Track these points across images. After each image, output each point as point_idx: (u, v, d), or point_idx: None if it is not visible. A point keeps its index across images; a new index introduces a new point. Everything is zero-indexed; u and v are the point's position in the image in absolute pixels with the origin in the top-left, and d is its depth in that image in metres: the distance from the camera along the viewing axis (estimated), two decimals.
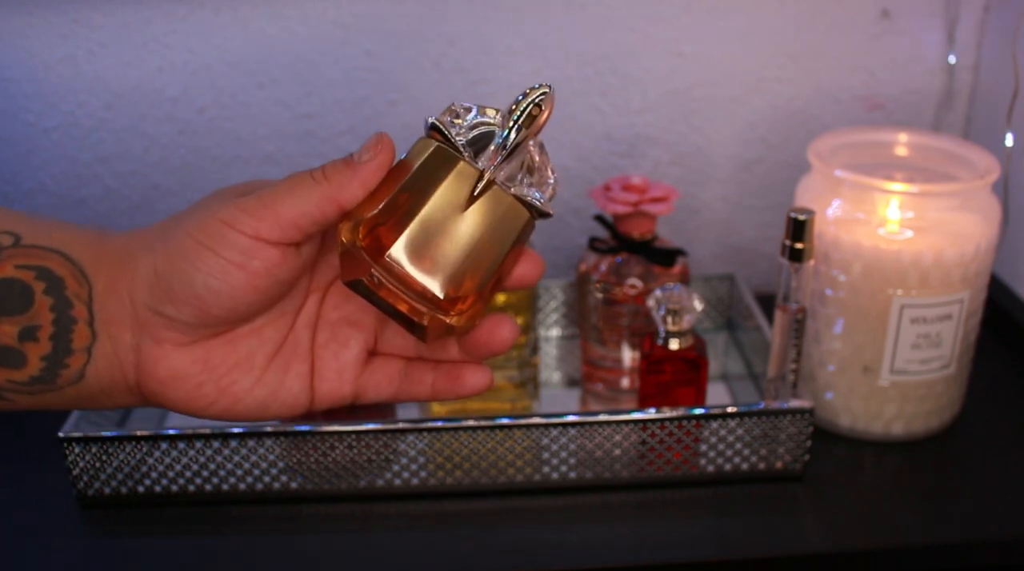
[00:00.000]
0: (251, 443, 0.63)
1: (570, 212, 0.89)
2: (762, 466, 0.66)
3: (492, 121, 0.42)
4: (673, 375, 0.67)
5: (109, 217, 0.86)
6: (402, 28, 0.81)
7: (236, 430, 0.63)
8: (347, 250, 0.40)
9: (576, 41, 0.82)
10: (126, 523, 0.64)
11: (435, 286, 0.40)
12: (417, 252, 0.40)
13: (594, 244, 0.75)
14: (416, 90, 0.83)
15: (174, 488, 0.65)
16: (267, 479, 0.65)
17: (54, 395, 0.41)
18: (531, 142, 0.42)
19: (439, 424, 0.63)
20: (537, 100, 0.41)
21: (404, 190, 0.40)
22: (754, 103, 0.86)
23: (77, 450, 0.63)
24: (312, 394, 0.44)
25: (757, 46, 0.84)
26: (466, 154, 0.41)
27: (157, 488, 0.65)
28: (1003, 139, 0.80)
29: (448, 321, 0.40)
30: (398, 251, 0.39)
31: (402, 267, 0.39)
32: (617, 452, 0.65)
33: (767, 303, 0.77)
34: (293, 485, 0.65)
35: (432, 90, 0.83)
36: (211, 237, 0.39)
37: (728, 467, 0.66)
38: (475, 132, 0.42)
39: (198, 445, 0.63)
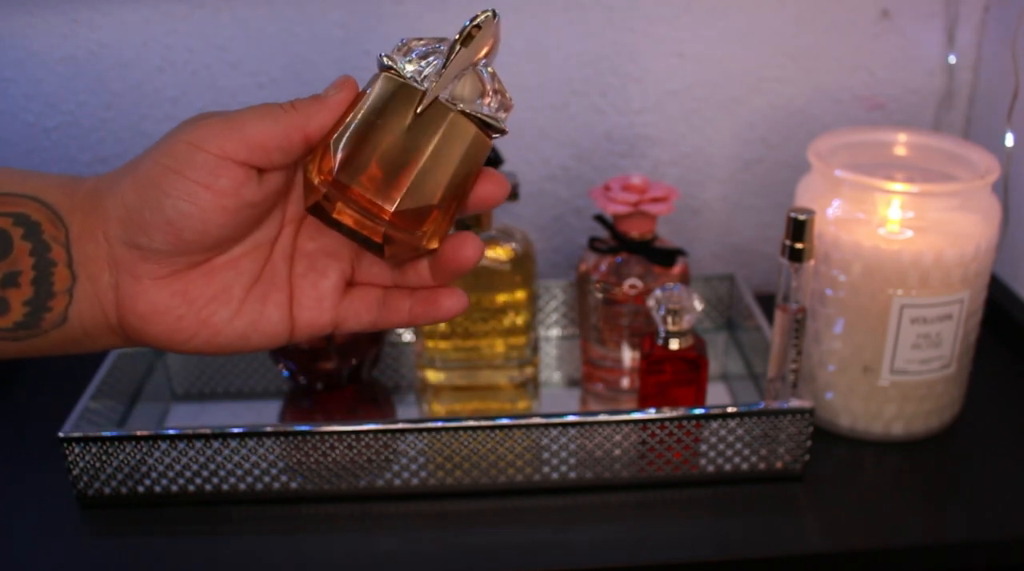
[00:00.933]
0: (251, 443, 0.63)
1: (570, 212, 0.89)
2: (762, 466, 0.66)
3: (440, 48, 0.44)
4: (673, 375, 0.67)
5: None
6: (402, 28, 0.81)
7: (236, 430, 0.63)
8: (305, 176, 0.41)
9: (576, 41, 0.82)
10: (126, 523, 0.64)
11: (385, 202, 0.40)
12: (366, 171, 0.40)
13: (594, 244, 0.75)
14: None
15: (174, 488, 0.65)
16: (267, 479, 0.65)
17: (39, 340, 0.41)
18: (481, 66, 0.44)
19: (439, 424, 0.63)
20: (478, 22, 0.43)
21: (354, 117, 0.41)
22: (754, 103, 0.86)
23: (77, 450, 0.63)
24: (292, 324, 0.44)
25: (757, 46, 0.84)
26: (411, 78, 0.42)
27: (157, 488, 0.65)
28: (1003, 139, 0.80)
29: (407, 238, 0.41)
30: (346, 170, 0.40)
31: (351, 186, 0.40)
32: (617, 452, 0.65)
33: (767, 303, 0.77)
34: (293, 485, 0.65)
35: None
36: (177, 160, 0.39)
37: (728, 467, 0.66)
38: (424, 60, 0.44)
39: (198, 445, 0.63)
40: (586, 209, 0.88)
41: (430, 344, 0.75)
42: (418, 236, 0.42)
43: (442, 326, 0.74)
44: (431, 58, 0.44)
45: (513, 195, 0.71)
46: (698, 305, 0.65)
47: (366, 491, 0.65)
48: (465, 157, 0.43)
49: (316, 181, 0.41)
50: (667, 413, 0.64)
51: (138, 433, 0.63)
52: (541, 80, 0.84)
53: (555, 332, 0.85)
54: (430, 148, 0.42)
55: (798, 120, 0.86)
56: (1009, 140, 0.79)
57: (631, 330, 0.74)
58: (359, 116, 0.42)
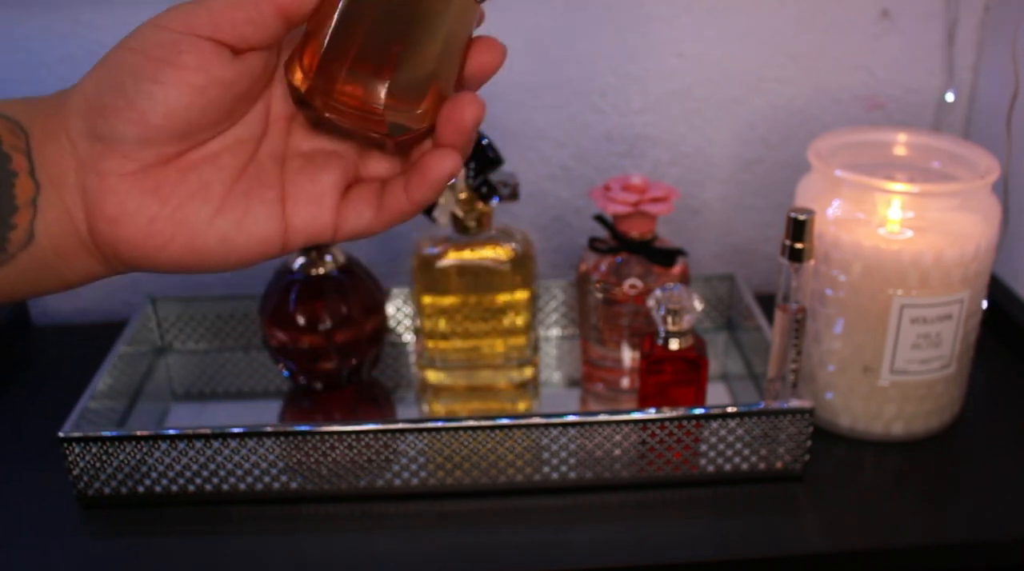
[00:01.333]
0: (251, 443, 0.63)
1: (570, 212, 0.89)
2: (762, 466, 0.66)
3: None
4: (673, 375, 0.67)
5: None
6: None
7: (236, 430, 0.63)
8: (286, 74, 0.39)
9: (576, 41, 0.82)
10: (126, 523, 0.64)
11: (379, 87, 0.38)
12: (349, 53, 0.37)
13: (594, 244, 0.75)
14: None
15: (174, 488, 0.65)
16: (267, 479, 0.65)
17: (7, 269, 0.38)
18: None
19: (439, 424, 0.63)
20: None
21: (329, 7, 0.38)
22: (754, 103, 0.86)
23: (77, 450, 0.63)
24: (285, 224, 0.40)
25: (757, 46, 0.84)
26: None
27: (157, 488, 0.65)
28: (1003, 139, 0.80)
29: (408, 120, 0.39)
30: (328, 63, 0.37)
31: (336, 81, 0.37)
32: (617, 452, 0.65)
33: (767, 303, 0.77)
34: (293, 485, 0.65)
35: None
36: (140, 40, 0.37)
37: (728, 467, 0.66)
38: None
39: (198, 445, 0.63)
40: (586, 209, 0.88)
41: (430, 344, 0.75)
42: (419, 115, 0.39)
43: (442, 326, 0.74)
44: None
45: (513, 195, 0.71)
46: (698, 305, 0.65)
47: (366, 491, 0.65)
48: (454, 23, 0.39)
49: (297, 79, 0.38)
50: (667, 413, 0.64)
51: (138, 433, 0.63)
52: (541, 80, 0.84)
53: (555, 332, 0.85)
54: (416, 19, 0.38)
55: (798, 120, 0.86)
56: (1009, 140, 0.79)
57: (631, 330, 0.74)
58: (335, 7, 0.38)
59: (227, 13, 0.36)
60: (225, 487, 0.65)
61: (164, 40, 0.36)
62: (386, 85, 0.38)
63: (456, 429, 0.63)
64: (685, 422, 0.64)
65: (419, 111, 0.39)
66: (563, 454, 0.65)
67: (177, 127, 0.37)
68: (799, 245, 0.60)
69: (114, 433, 0.63)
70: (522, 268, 0.73)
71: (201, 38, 0.36)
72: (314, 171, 0.41)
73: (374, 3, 0.38)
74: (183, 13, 0.37)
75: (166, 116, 0.37)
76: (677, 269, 0.73)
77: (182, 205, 0.38)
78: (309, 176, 0.40)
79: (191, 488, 0.65)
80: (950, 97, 0.84)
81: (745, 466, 0.66)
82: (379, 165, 0.42)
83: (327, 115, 0.38)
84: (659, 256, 0.72)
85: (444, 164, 0.40)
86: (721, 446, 0.65)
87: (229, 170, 0.40)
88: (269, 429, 0.63)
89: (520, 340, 0.75)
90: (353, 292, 0.72)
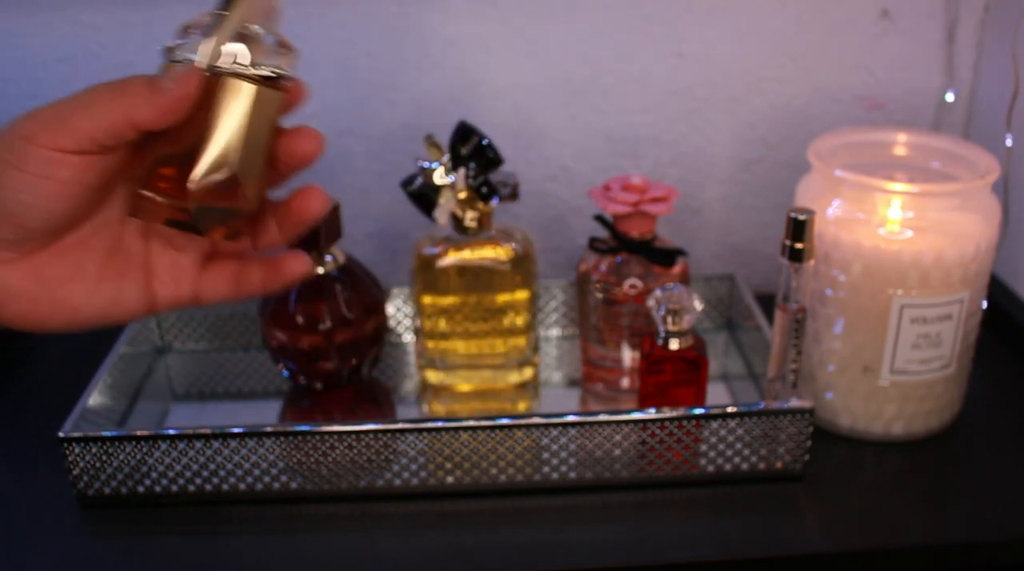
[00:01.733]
0: (251, 443, 0.63)
1: (570, 212, 0.89)
2: (762, 466, 0.66)
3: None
4: (673, 375, 0.67)
5: None
6: (402, 28, 0.81)
7: (236, 430, 0.63)
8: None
9: (576, 41, 0.82)
10: (126, 523, 0.64)
11: (188, 184, 0.42)
12: (164, 165, 0.43)
13: (594, 244, 0.75)
14: (416, 90, 0.83)
15: (174, 488, 0.65)
16: (267, 479, 0.65)
17: None
18: (254, 27, 0.45)
19: (439, 424, 0.63)
20: None
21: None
22: (754, 103, 0.86)
23: (77, 450, 0.63)
24: (152, 298, 0.45)
25: (757, 46, 0.84)
26: (185, 58, 0.44)
27: (157, 488, 0.65)
28: (1003, 139, 0.80)
29: (224, 213, 0.43)
30: (153, 161, 0.43)
31: (153, 174, 0.43)
32: (617, 452, 0.65)
33: (767, 303, 0.77)
34: (293, 485, 0.65)
35: (432, 90, 0.83)
36: (14, 153, 0.40)
37: (728, 467, 0.66)
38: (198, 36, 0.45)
39: (198, 445, 0.63)
40: (586, 209, 0.88)
41: (430, 344, 0.75)
42: (233, 210, 0.43)
43: (442, 326, 0.74)
44: (202, 32, 0.45)
45: (513, 195, 0.71)
46: (698, 305, 0.65)
47: (366, 491, 0.65)
48: (254, 117, 0.43)
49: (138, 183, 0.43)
50: (667, 413, 0.64)
51: (138, 433, 0.63)
52: (541, 80, 0.84)
53: (555, 332, 0.85)
54: (216, 119, 0.42)
55: (798, 120, 0.86)
56: (1009, 140, 0.79)
57: (631, 330, 0.74)
58: None
59: (87, 132, 0.40)
60: (225, 487, 0.65)
61: (35, 156, 0.40)
62: (191, 182, 0.42)
63: (456, 429, 0.63)
64: (685, 422, 0.64)
65: (233, 205, 0.43)
66: (563, 454, 0.65)
67: (54, 227, 0.42)
68: (799, 245, 0.60)
69: (114, 433, 0.63)
70: (522, 268, 0.73)
71: (70, 153, 0.40)
72: (174, 251, 0.46)
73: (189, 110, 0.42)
74: (47, 129, 0.40)
75: (45, 221, 0.41)
76: (677, 269, 0.73)
77: (60, 286, 0.43)
78: (170, 256, 0.46)
79: (191, 488, 0.65)
80: (950, 97, 0.84)
81: (745, 466, 0.66)
82: (231, 244, 0.46)
83: (155, 219, 0.44)
84: (659, 256, 0.72)
85: (297, 267, 0.46)
86: (721, 446, 0.65)
87: (100, 252, 0.44)
88: (269, 429, 0.63)
89: (520, 340, 0.75)
90: (353, 292, 0.72)
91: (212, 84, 0.43)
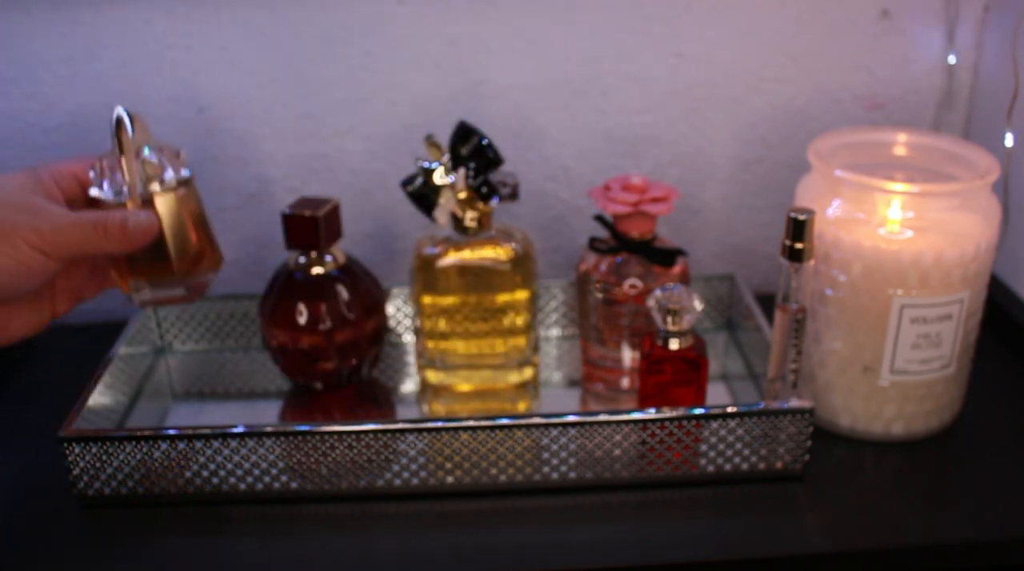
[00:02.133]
0: (251, 443, 0.63)
1: (570, 212, 0.89)
2: (762, 466, 0.66)
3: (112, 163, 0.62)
4: (673, 375, 0.67)
5: None
6: (402, 28, 0.81)
7: (236, 430, 0.63)
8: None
9: (576, 41, 0.82)
10: (126, 523, 0.64)
11: (175, 271, 0.64)
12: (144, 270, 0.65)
13: (594, 244, 0.75)
14: (416, 90, 0.83)
15: (174, 488, 0.65)
16: (267, 479, 0.65)
17: None
18: (144, 153, 0.62)
19: (439, 424, 0.63)
20: (117, 129, 0.61)
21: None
22: (754, 103, 0.86)
23: (77, 450, 0.63)
24: (54, 314, 0.65)
25: (757, 46, 0.84)
26: (113, 199, 0.62)
27: (157, 488, 0.65)
28: (1003, 139, 0.80)
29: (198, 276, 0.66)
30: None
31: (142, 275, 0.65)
32: (617, 452, 0.65)
33: (767, 303, 0.77)
34: (293, 485, 0.65)
35: (432, 90, 0.83)
36: (8, 244, 0.56)
37: (728, 467, 0.66)
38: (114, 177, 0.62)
39: (198, 445, 0.63)
40: (586, 209, 0.88)
41: (430, 344, 0.75)
42: (204, 269, 0.66)
43: (442, 326, 0.74)
44: (116, 174, 0.62)
45: (513, 195, 0.71)
46: (698, 305, 0.65)
47: (366, 491, 0.65)
48: (191, 209, 0.64)
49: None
50: (667, 413, 0.64)
51: (138, 433, 0.63)
52: (541, 80, 0.84)
53: (555, 332, 0.85)
54: (168, 228, 0.62)
55: (798, 120, 0.86)
56: (1009, 140, 0.80)
57: (631, 330, 0.74)
58: None
59: (72, 250, 0.59)
60: (225, 487, 0.65)
61: (22, 253, 0.57)
62: (176, 272, 0.64)
63: (456, 429, 0.63)
64: (685, 422, 0.64)
65: (200, 269, 0.66)
66: (563, 454, 0.65)
67: (5, 297, 0.59)
68: (799, 245, 0.60)
69: (115, 433, 0.63)
70: (522, 268, 0.73)
71: (48, 257, 0.58)
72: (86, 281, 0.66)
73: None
74: (44, 242, 0.58)
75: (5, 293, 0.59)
76: (677, 269, 0.73)
77: None
78: (78, 283, 0.66)
79: (191, 488, 0.65)
80: (952, 59, 0.83)
81: (745, 466, 0.66)
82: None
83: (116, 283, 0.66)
84: (659, 256, 0.72)
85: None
86: (721, 446, 0.65)
87: (33, 295, 0.62)
88: (269, 429, 0.63)
89: (520, 340, 0.75)
90: (353, 292, 0.72)
91: (149, 204, 0.62)
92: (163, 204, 0.62)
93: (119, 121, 0.60)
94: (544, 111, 0.85)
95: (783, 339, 0.63)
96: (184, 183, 0.63)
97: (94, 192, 0.62)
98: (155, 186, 0.62)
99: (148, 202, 0.62)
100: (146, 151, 0.62)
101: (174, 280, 0.64)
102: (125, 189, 0.61)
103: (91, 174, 0.62)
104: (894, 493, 0.65)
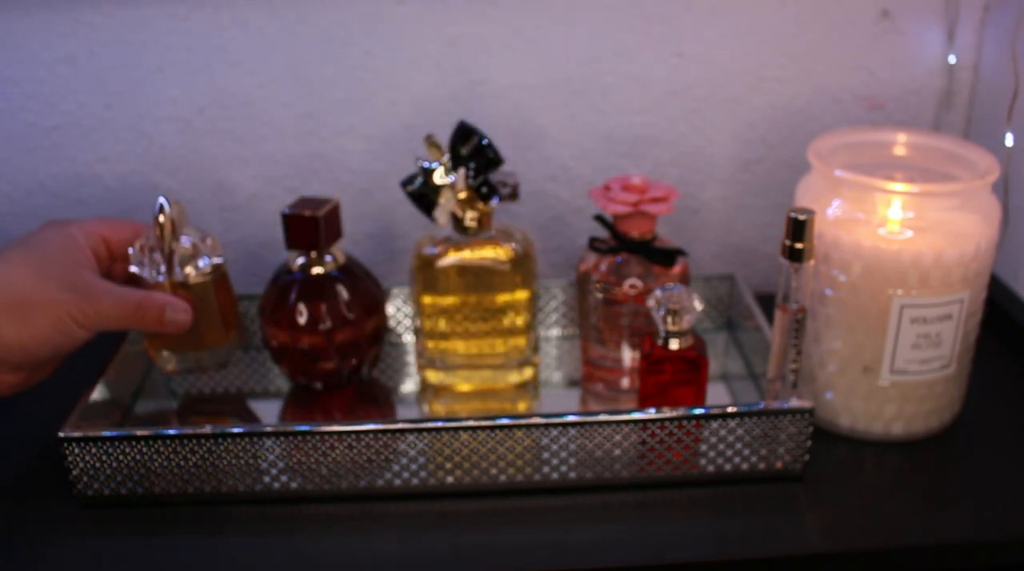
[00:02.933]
0: (251, 443, 0.63)
1: (570, 212, 0.89)
2: (762, 466, 0.66)
3: (152, 245, 0.69)
4: (673, 375, 0.67)
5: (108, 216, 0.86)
6: (402, 28, 0.81)
7: (236, 430, 0.63)
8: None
9: (576, 41, 0.82)
10: (126, 523, 0.64)
11: (222, 342, 0.74)
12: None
13: (594, 244, 0.75)
14: (416, 90, 0.83)
15: (174, 488, 0.65)
16: (267, 479, 0.65)
17: None
18: (180, 239, 0.68)
19: (439, 424, 0.63)
20: (157, 218, 0.67)
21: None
22: (754, 103, 0.86)
23: (77, 450, 0.63)
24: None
25: (757, 46, 0.84)
26: (153, 279, 0.69)
27: (157, 488, 0.65)
28: (1003, 139, 0.80)
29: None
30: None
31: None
32: (617, 452, 0.65)
33: (767, 303, 0.77)
34: (293, 485, 0.65)
35: (432, 90, 0.83)
36: (56, 320, 0.61)
37: (728, 467, 0.66)
38: (153, 257, 0.69)
39: (198, 445, 0.63)
40: (586, 209, 0.88)
41: (430, 344, 0.75)
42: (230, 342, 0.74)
43: (442, 326, 0.74)
44: (155, 254, 0.68)
45: (513, 195, 0.71)
46: (698, 305, 0.65)
47: (366, 491, 0.65)
48: (222, 293, 0.71)
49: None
50: (667, 413, 0.64)
51: (138, 433, 0.63)
52: (541, 80, 0.84)
53: (555, 332, 0.85)
54: (199, 310, 0.69)
55: (798, 120, 0.86)
56: (1009, 140, 0.80)
57: (631, 330, 0.74)
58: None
59: (108, 326, 0.64)
60: (225, 487, 0.65)
61: (63, 326, 0.62)
62: (206, 349, 0.73)
63: (456, 429, 0.63)
64: (685, 422, 0.64)
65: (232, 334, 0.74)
66: (563, 454, 0.65)
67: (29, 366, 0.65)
68: (799, 245, 0.60)
69: (114, 433, 0.63)
70: (522, 268, 0.73)
71: (85, 330, 0.64)
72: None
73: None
74: (87, 320, 0.63)
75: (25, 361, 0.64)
76: (677, 269, 0.73)
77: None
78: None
79: (191, 488, 0.65)
80: (952, 59, 0.83)
81: (745, 466, 0.66)
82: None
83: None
84: (659, 256, 0.72)
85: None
86: (721, 446, 0.65)
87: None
88: (269, 429, 0.63)
89: (520, 340, 0.75)
90: (353, 292, 0.72)
91: (185, 289, 0.69)
92: (197, 288, 0.69)
93: (160, 208, 0.67)
94: (544, 111, 0.85)
95: (783, 339, 0.63)
96: (217, 269, 0.70)
97: (134, 269, 0.68)
98: (190, 270, 0.69)
99: (183, 285, 0.68)
100: (184, 238, 0.69)
101: (200, 353, 0.72)
102: (163, 268, 0.68)
103: (131, 251, 0.68)
104: (894, 493, 0.65)
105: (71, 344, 0.63)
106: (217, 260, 0.70)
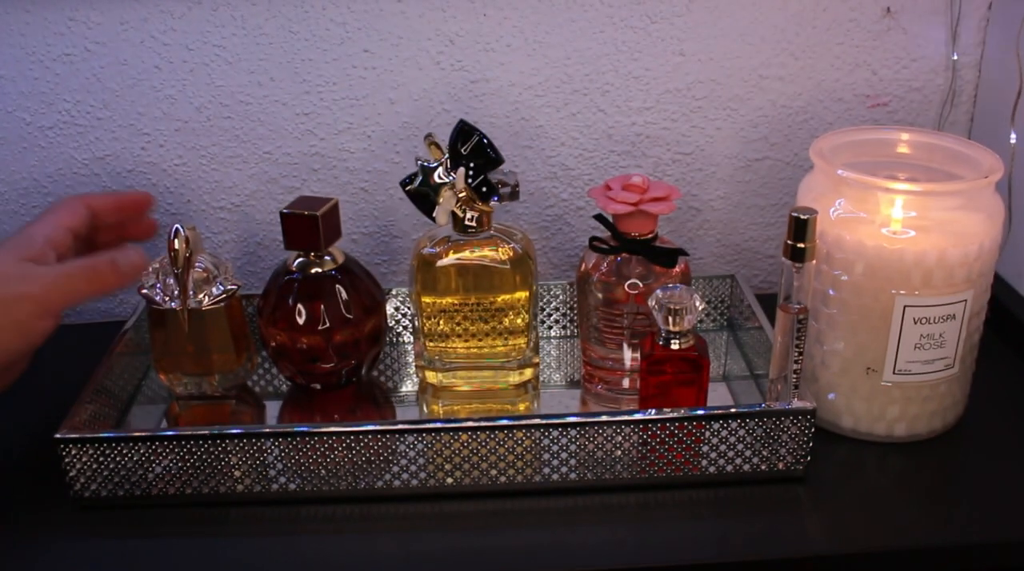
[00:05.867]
0: (250, 443, 0.63)
1: (570, 212, 0.89)
2: (764, 467, 0.65)
3: (166, 268, 0.70)
4: (674, 375, 0.66)
5: None
6: (402, 27, 0.81)
7: (236, 430, 0.63)
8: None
9: (577, 39, 0.82)
10: (124, 524, 0.64)
11: (222, 370, 0.75)
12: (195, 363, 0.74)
13: (594, 244, 0.74)
14: (416, 89, 0.83)
15: (173, 489, 0.64)
16: (267, 480, 0.64)
17: None
18: (195, 265, 0.69)
19: (439, 425, 0.63)
20: (174, 246, 0.67)
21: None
22: (756, 102, 0.85)
23: (74, 451, 0.63)
24: None
25: (759, 44, 0.83)
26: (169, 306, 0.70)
27: (155, 490, 0.64)
28: (1007, 138, 0.80)
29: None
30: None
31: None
32: (618, 453, 0.64)
33: (769, 303, 0.77)
34: (293, 486, 0.64)
35: (432, 89, 0.83)
36: (11, 317, 0.59)
37: (729, 468, 0.65)
38: (167, 281, 0.70)
39: (197, 446, 0.63)
40: (586, 209, 0.88)
41: (430, 344, 0.75)
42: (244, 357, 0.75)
43: (442, 326, 0.73)
44: (168, 279, 0.69)
45: (513, 195, 0.71)
46: (699, 305, 0.65)
47: (366, 492, 0.65)
48: (235, 318, 0.73)
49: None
50: (668, 414, 0.64)
51: (136, 434, 0.63)
52: (541, 79, 0.83)
53: (555, 332, 0.85)
54: (213, 334, 0.71)
55: (800, 119, 0.86)
56: (1013, 138, 0.79)
57: (632, 330, 0.74)
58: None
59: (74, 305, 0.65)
60: (224, 488, 0.64)
61: (32, 324, 0.61)
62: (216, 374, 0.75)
63: (456, 430, 0.63)
64: (686, 423, 0.64)
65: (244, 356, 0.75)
66: (563, 455, 0.64)
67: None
68: (801, 245, 0.60)
69: (112, 434, 0.63)
70: (522, 268, 0.72)
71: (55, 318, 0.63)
72: None
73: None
74: (55, 309, 0.62)
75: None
76: (678, 269, 0.73)
77: None
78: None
79: (190, 489, 0.64)
80: (955, 57, 0.83)
81: (747, 467, 0.65)
82: None
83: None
84: (660, 256, 0.72)
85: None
86: (722, 447, 0.64)
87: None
88: (268, 430, 0.63)
89: (520, 340, 0.74)
90: (352, 292, 0.72)
91: (197, 315, 0.70)
92: (210, 314, 0.70)
93: (175, 233, 0.67)
94: (544, 110, 0.84)
95: (785, 339, 0.63)
96: (230, 294, 0.70)
97: (146, 291, 0.69)
98: (203, 297, 0.69)
99: (197, 311, 0.69)
100: (198, 264, 0.69)
101: (212, 378, 0.73)
102: (176, 292, 0.69)
103: (145, 274, 0.69)
104: (897, 494, 0.65)
105: (39, 338, 0.61)
106: (231, 286, 0.71)
